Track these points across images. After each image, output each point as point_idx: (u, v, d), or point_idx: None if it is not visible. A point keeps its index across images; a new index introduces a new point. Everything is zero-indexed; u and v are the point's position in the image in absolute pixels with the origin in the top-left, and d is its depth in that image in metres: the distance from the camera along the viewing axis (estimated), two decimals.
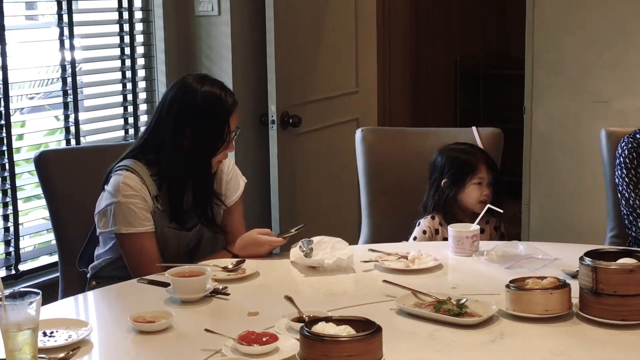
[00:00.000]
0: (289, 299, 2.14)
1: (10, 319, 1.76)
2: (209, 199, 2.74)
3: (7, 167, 3.43)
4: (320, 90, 4.32)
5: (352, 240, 2.95)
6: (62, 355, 1.90)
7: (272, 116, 3.97)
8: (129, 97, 3.99)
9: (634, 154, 3.06)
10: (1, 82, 3.37)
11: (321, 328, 1.79)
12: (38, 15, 4.14)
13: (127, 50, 3.97)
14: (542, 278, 2.15)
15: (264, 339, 1.90)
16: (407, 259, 2.57)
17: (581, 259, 2.11)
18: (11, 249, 3.49)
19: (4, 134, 3.41)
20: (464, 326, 2.05)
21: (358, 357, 1.73)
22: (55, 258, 3.53)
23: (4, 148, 3.42)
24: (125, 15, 3.95)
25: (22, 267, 3.54)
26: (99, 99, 3.93)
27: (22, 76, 3.77)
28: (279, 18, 3.92)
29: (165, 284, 2.34)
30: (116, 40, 3.97)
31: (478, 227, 2.70)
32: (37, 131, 3.97)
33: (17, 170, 3.50)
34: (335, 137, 4.42)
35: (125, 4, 3.94)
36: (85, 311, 2.38)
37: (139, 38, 4.04)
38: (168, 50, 4.04)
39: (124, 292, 2.41)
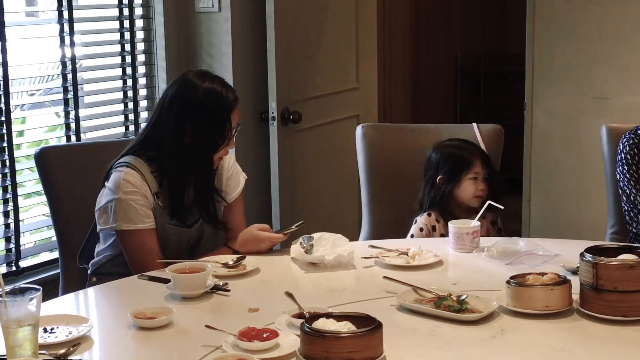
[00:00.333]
0: (290, 295, 2.14)
1: (10, 315, 1.76)
2: (210, 196, 2.74)
3: (7, 163, 3.43)
4: (321, 86, 4.31)
5: (353, 236, 2.95)
6: (62, 351, 1.90)
7: (273, 112, 3.97)
8: (130, 93, 3.99)
9: (635, 150, 3.05)
10: (1, 79, 3.37)
11: (322, 324, 1.79)
12: (38, 11, 4.14)
13: (128, 47, 3.97)
14: (543, 274, 2.15)
15: (264, 335, 1.90)
16: (407, 255, 2.57)
17: (582, 255, 2.11)
18: (12, 245, 3.49)
19: (5, 131, 3.41)
20: (465, 322, 2.05)
21: (358, 353, 1.73)
22: (55, 254, 3.54)
23: (5, 144, 3.41)
24: (126, 11, 3.95)
25: (23, 263, 3.54)
26: (100, 96, 3.93)
27: (22, 73, 3.76)
28: (280, 14, 3.91)
29: (165, 281, 2.33)
30: (116, 36, 3.96)
31: (478, 223, 2.69)
32: (38, 128, 3.97)
33: (17, 166, 3.50)
34: (335, 133, 4.41)
35: (125, 0, 3.94)
36: (85, 307, 2.38)
37: (139, 34, 4.04)
38: (168, 46, 4.04)
39: (125, 288, 2.40)
